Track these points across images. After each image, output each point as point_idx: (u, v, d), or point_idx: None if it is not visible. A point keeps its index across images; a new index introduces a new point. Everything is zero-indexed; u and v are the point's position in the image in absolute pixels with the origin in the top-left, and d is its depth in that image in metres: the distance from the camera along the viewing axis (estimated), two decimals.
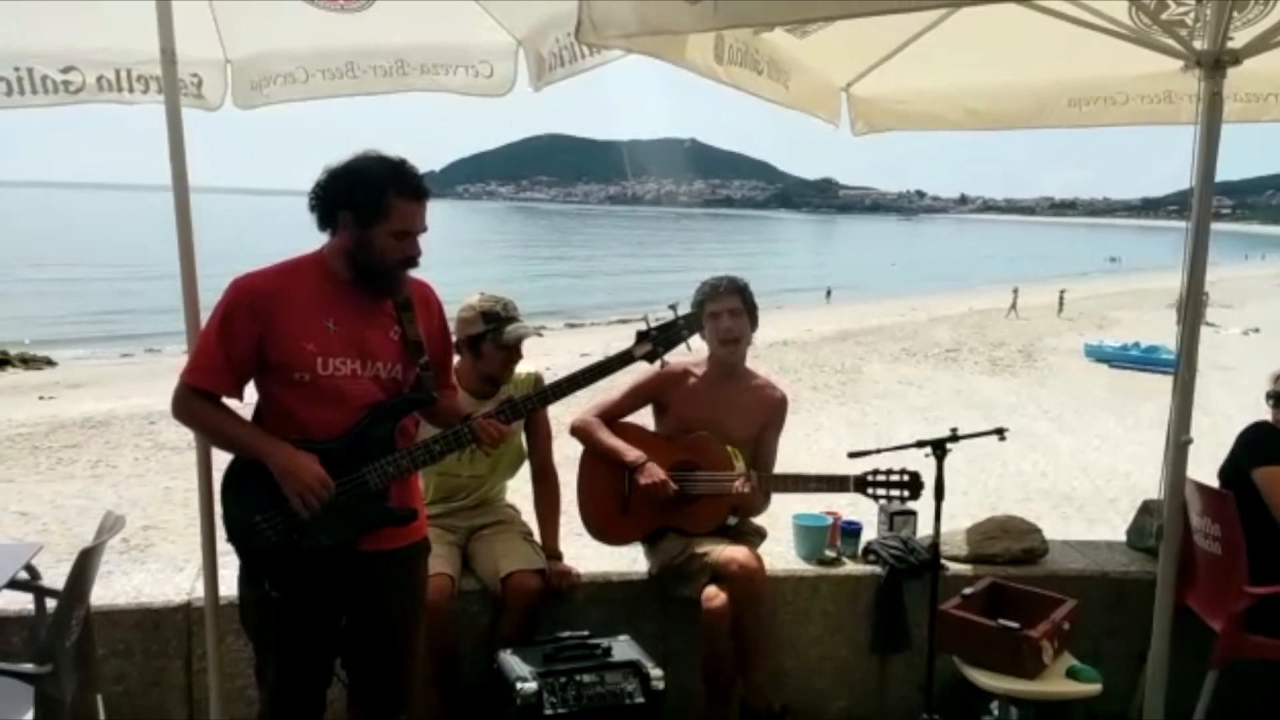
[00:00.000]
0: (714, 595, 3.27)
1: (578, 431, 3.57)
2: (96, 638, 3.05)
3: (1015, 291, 30.56)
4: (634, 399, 3.60)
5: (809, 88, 3.73)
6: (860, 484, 3.35)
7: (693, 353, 2.97)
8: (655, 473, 3.41)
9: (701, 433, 3.47)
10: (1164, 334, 22.79)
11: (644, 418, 3.66)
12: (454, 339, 3.29)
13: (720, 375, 3.56)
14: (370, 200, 2.40)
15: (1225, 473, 3.49)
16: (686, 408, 3.54)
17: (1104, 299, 32.91)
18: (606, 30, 2.67)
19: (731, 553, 3.31)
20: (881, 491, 3.36)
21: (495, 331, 3.32)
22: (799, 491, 3.59)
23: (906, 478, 3.33)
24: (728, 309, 3.48)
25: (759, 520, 3.69)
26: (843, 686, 3.75)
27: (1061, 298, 30.48)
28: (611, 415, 3.58)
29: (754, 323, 3.56)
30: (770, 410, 3.62)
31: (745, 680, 3.35)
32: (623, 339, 2.68)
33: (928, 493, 3.24)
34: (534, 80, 3.32)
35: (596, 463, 3.55)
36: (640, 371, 3.55)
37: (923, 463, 3.25)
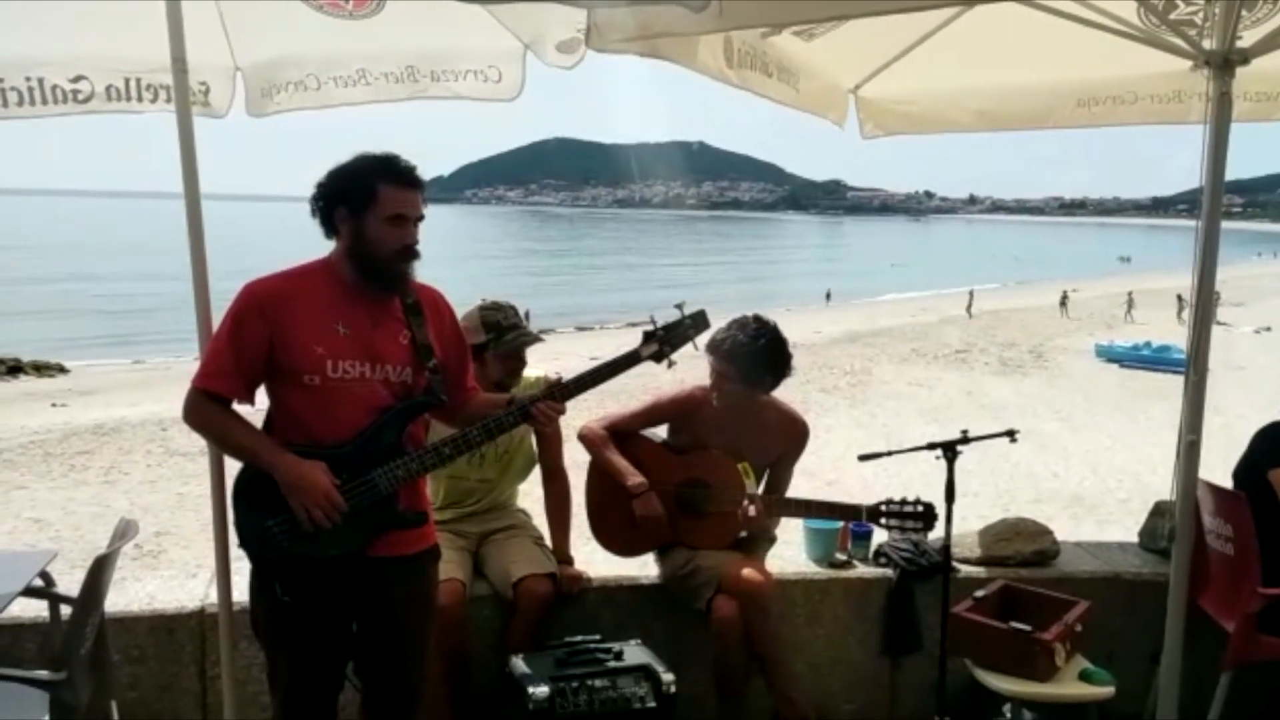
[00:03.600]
0: (722, 604, 3.25)
1: (584, 440, 3.56)
2: (111, 644, 3.06)
3: (971, 294, 31.03)
4: (648, 418, 3.57)
5: (818, 90, 3.73)
6: (874, 514, 3.30)
7: (700, 351, 2.94)
8: (652, 506, 3.37)
9: (712, 450, 3.44)
10: (1175, 333, 22.77)
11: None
12: None
13: (737, 402, 3.45)
14: (359, 190, 2.43)
15: (1240, 473, 3.46)
16: (702, 431, 3.48)
17: (1115, 298, 32.77)
18: (611, 35, 2.69)
19: (737, 567, 3.29)
20: (895, 522, 3.30)
21: (495, 341, 3.34)
22: (812, 516, 3.58)
23: (920, 509, 3.26)
24: (719, 371, 3.36)
25: None
26: (854, 689, 3.74)
27: (1065, 298, 30.46)
28: (622, 429, 3.55)
29: (752, 382, 3.38)
30: (789, 440, 3.54)
31: (772, 692, 3.32)
32: (633, 342, 2.68)
33: (939, 495, 3.22)
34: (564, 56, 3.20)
35: (604, 477, 3.53)
36: (659, 392, 3.60)
37: (933, 464, 3.24)
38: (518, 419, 2.58)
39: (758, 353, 3.32)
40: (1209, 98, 2.91)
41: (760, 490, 3.47)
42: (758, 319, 3.39)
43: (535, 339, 3.43)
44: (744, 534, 3.49)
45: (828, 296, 42.54)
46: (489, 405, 2.69)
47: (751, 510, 3.31)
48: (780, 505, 3.46)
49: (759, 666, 3.31)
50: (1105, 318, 28.86)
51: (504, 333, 3.36)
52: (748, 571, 3.27)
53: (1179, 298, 28.81)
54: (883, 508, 3.29)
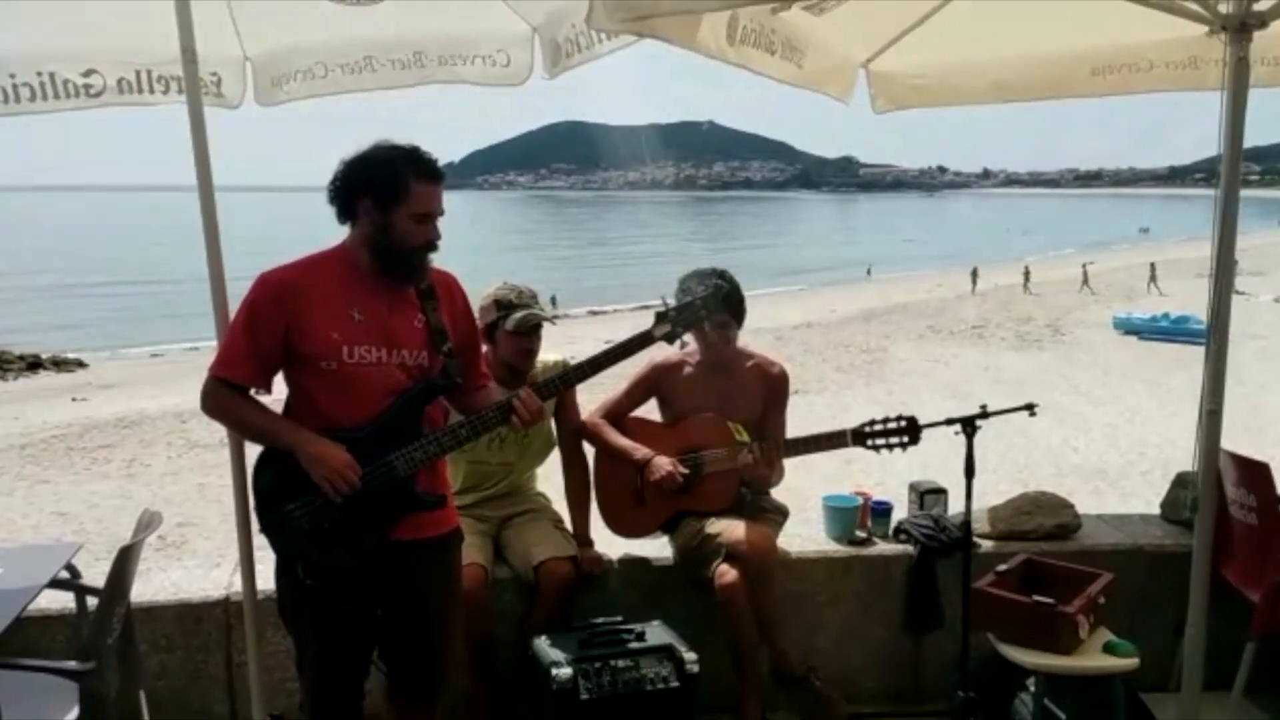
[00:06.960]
0: (726, 572, 3.30)
1: (585, 434, 3.61)
2: (138, 634, 3.09)
3: (975, 271, 31.14)
4: (634, 394, 3.64)
5: (824, 65, 3.69)
6: (858, 436, 3.28)
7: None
8: (662, 465, 3.44)
9: (703, 413, 3.50)
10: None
11: (650, 409, 3.70)
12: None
13: (715, 360, 3.57)
14: (388, 184, 2.43)
15: None
16: (686, 397, 3.56)
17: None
18: (617, 14, 2.67)
19: (742, 532, 3.34)
20: (880, 441, 3.26)
21: (504, 317, 3.35)
22: (802, 454, 3.52)
23: (904, 423, 3.24)
24: (720, 322, 3.41)
25: (782, 498, 3.70)
26: (877, 666, 3.74)
27: (1027, 273, 30.41)
28: (616, 413, 3.63)
29: (740, 319, 3.52)
30: (769, 387, 3.60)
31: (770, 648, 3.40)
32: (646, 324, 2.68)
33: (958, 471, 3.20)
34: (549, 68, 3.32)
35: (608, 461, 3.60)
36: (635, 367, 3.58)
37: (952, 440, 3.22)
38: (502, 415, 2.55)
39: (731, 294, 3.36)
40: (1226, 63, 2.87)
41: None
42: (714, 270, 3.44)
43: (543, 317, 3.41)
44: (747, 495, 3.54)
45: (868, 272, 43.08)
46: (489, 402, 2.67)
47: (749, 457, 3.35)
48: (770, 448, 3.44)
49: (762, 631, 3.35)
50: (1123, 290, 28.60)
51: (512, 309, 3.36)
52: (751, 537, 3.31)
53: (1151, 266, 28.67)
54: (866, 428, 3.27)
